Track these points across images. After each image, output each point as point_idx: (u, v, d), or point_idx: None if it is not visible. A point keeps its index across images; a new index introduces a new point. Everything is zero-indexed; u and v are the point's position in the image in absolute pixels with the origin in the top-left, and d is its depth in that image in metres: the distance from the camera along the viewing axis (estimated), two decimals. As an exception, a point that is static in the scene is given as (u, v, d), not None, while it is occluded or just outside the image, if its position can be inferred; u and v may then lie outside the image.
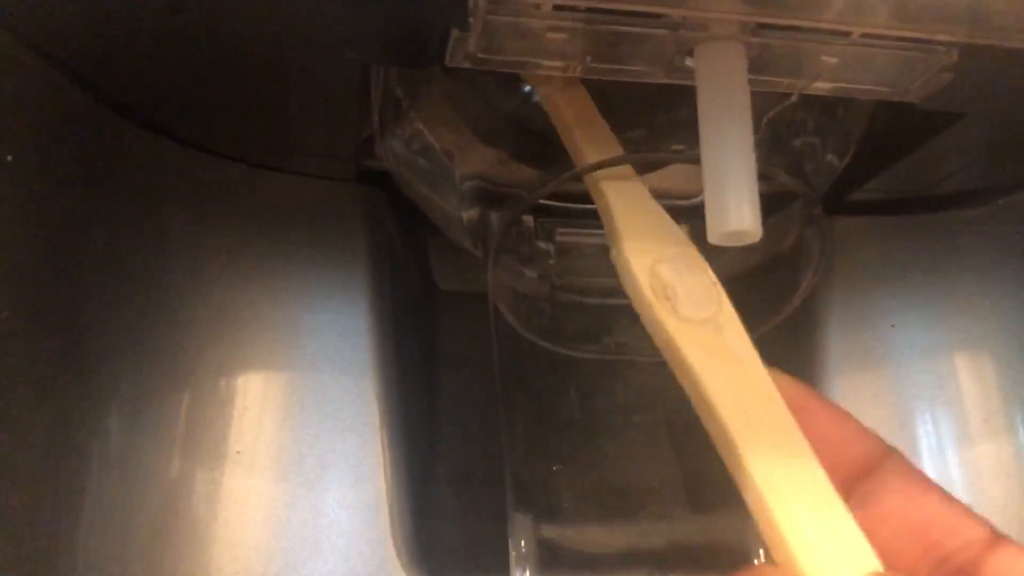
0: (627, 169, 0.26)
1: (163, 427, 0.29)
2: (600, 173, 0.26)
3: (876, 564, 0.18)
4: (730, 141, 0.24)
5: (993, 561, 0.19)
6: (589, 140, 0.26)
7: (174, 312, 0.30)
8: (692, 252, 0.25)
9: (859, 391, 0.36)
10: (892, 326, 0.36)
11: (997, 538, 0.19)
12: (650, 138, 0.27)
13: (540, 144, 0.29)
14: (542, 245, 0.38)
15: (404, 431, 0.33)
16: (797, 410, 0.22)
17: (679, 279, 0.25)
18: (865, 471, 0.21)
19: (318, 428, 0.31)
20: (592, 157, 0.26)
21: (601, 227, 0.39)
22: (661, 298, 0.24)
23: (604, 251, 0.40)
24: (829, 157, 0.30)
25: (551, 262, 0.37)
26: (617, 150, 0.26)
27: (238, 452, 0.30)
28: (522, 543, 0.29)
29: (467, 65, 0.25)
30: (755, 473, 0.21)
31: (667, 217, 0.26)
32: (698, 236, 0.38)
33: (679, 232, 0.26)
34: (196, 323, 0.30)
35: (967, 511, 0.20)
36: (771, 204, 0.34)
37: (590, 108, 0.27)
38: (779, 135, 0.29)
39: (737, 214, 0.23)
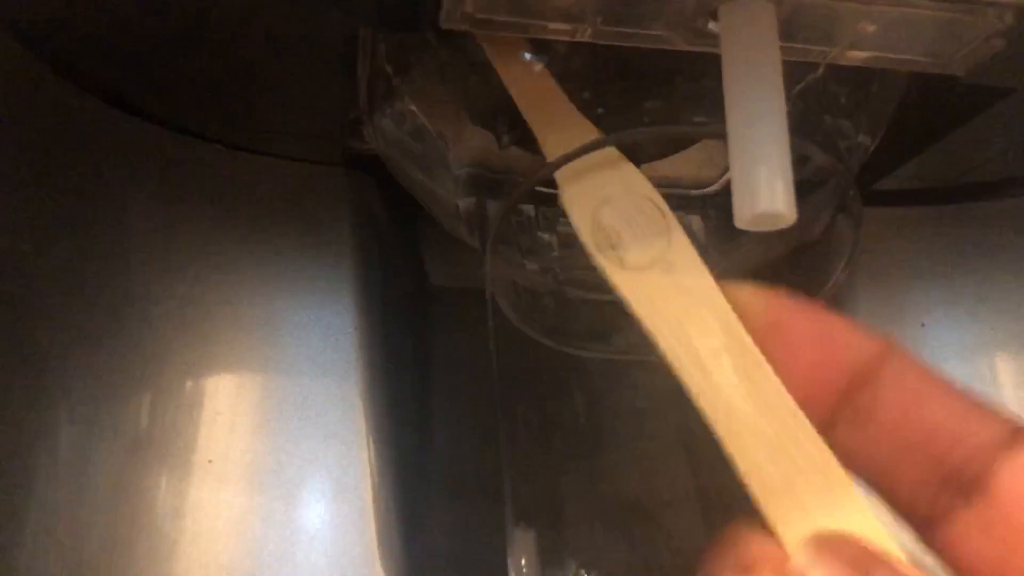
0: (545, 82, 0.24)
1: (123, 432, 0.26)
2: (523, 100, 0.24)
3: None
4: (760, 112, 0.21)
5: (1009, 468, 0.15)
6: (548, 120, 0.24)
7: (137, 305, 0.27)
8: (634, 178, 0.23)
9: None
10: (922, 325, 0.34)
11: (1015, 436, 0.16)
12: (669, 110, 0.24)
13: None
14: (544, 236, 0.35)
15: (392, 438, 0.30)
16: (769, 328, 0.19)
17: (623, 220, 0.23)
18: (860, 382, 0.18)
19: (298, 435, 0.28)
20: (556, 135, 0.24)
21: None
22: (605, 249, 0.22)
23: (612, 243, 0.37)
24: (861, 137, 0.28)
25: (554, 254, 0.35)
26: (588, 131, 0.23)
27: (209, 461, 0.27)
28: (523, 561, 0.27)
29: (463, 27, 0.23)
30: (718, 428, 0.19)
31: (595, 130, 0.23)
32: (712, 229, 0.36)
33: (616, 154, 0.23)
34: (163, 318, 0.28)
35: (979, 408, 0.17)
36: (799, 188, 0.31)
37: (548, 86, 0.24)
38: (809, 110, 0.26)
39: (768, 193, 0.21)
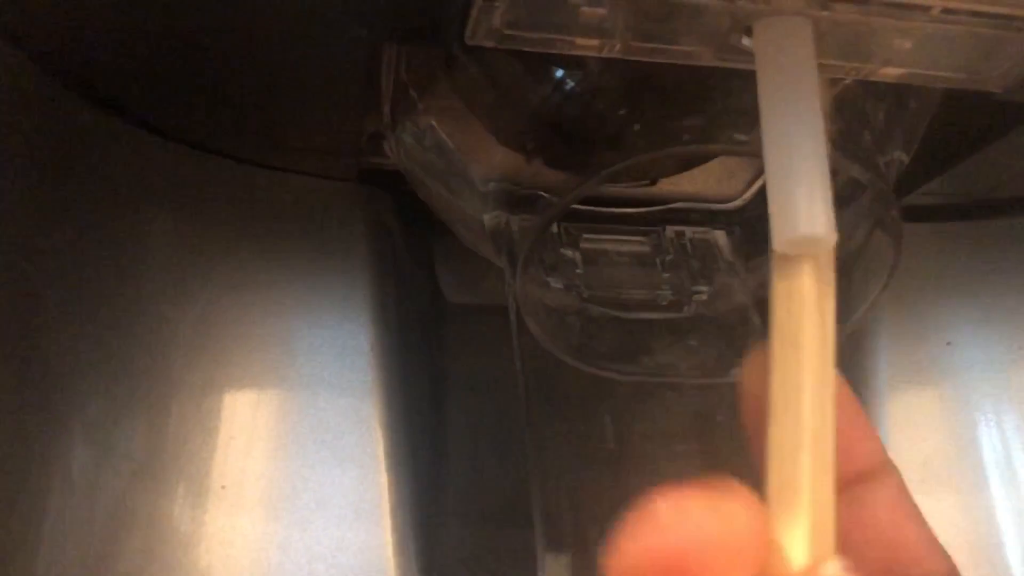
0: None
1: (136, 455, 0.25)
2: None
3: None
4: (798, 131, 0.21)
5: None
6: None
7: (150, 325, 0.26)
8: None
9: (913, 414, 0.32)
10: (948, 343, 0.33)
11: None
12: (707, 127, 0.23)
13: (573, 140, 0.25)
14: (567, 252, 0.35)
15: (410, 462, 0.29)
16: None
17: None
18: (862, 476, 0.20)
19: (314, 459, 0.28)
20: None
21: (631, 233, 0.36)
22: None
23: (636, 259, 0.37)
24: (898, 153, 0.27)
25: (578, 271, 0.34)
26: None
27: (223, 487, 0.26)
28: (553, 588, 0.26)
29: (490, 43, 0.22)
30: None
31: None
32: (737, 244, 0.35)
33: None
34: (175, 338, 0.27)
35: (939, 546, 0.20)
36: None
37: None
38: (849, 128, 0.25)
39: (808, 216, 0.20)
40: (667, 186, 0.35)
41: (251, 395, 0.28)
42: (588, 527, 0.27)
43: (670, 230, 0.35)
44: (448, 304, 0.36)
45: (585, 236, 0.34)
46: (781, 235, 0.20)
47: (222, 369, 0.28)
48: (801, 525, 0.18)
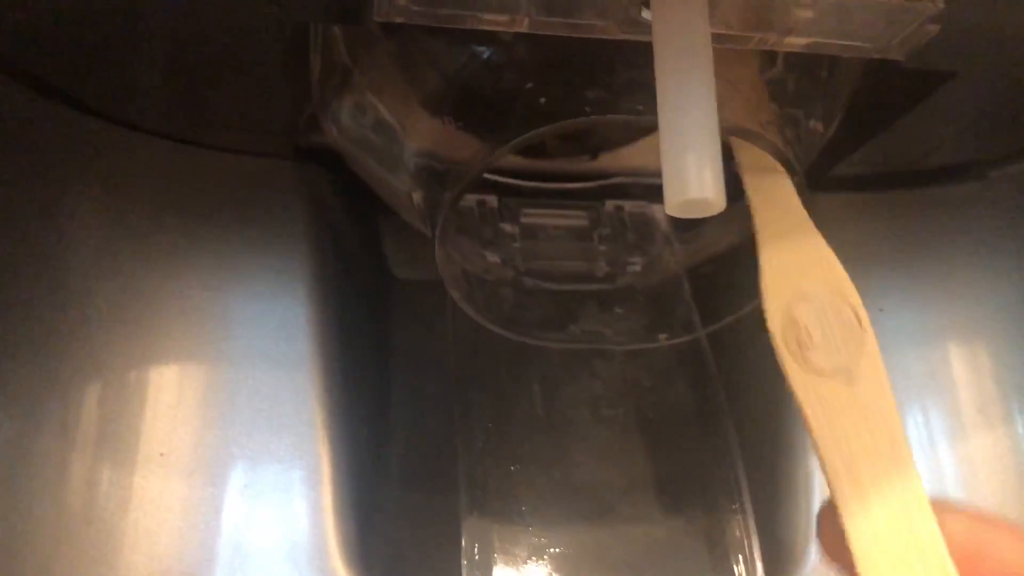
0: (782, 183, 0.24)
1: (68, 426, 0.26)
2: (752, 183, 0.24)
3: None
4: (690, 99, 0.21)
5: None
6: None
7: (79, 299, 0.27)
8: (840, 279, 0.23)
9: (845, 381, 0.33)
10: (881, 310, 0.34)
11: None
12: (609, 98, 0.24)
13: (489, 110, 0.26)
14: (506, 227, 0.36)
15: (348, 429, 0.30)
16: (970, 557, 0.19)
17: (818, 321, 0.22)
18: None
19: (251, 427, 0.28)
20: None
21: (570, 207, 0.36)
22: (792, 345, 0.21)
23: (573, 233, 0.37)
24: (812, 123, 0.28)
25: (516, 245, 0.35)
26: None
27: (161, 454, 0.27)
28: (475, 549, 0.27)
29: (398, 19, 0.23)
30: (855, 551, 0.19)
31: (819, 238, 0.23)
32: (675, 218, 0.36)
33: (830, 256, 0.23)
34: (107, 312, 0.28)
35: None
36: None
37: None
38: (756, 97, 0.26)
39: (697, 180, 0.21)
40: (608, 161, 0.36)
41: (189, 366, 0.29)
42: (510, 490, 0.28)
43: (609, 204, 0.35)
44: (395, 279, 0.37)
45: (524, 211, 0.35)
46: (672, 199, 0.21)
47: (159, 341, 0.28)
48: None
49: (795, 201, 0.24)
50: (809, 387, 0.21)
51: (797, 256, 0.23)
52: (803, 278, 0.23)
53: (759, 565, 0.28)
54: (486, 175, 0.35)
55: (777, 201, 0.24)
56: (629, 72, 0.24)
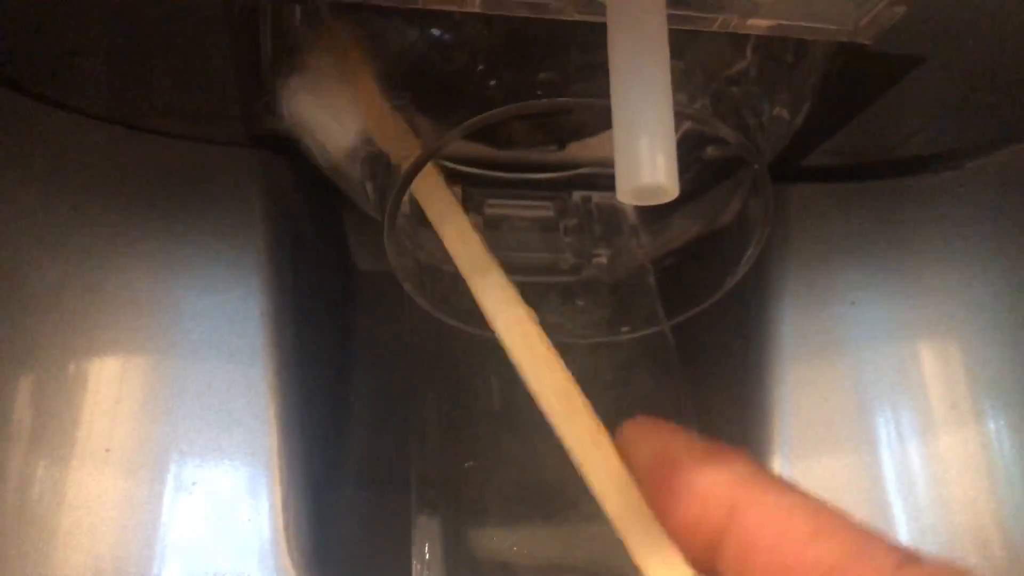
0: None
1: (2, 419, 0.25)
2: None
3: None
4: (643, 83, 0.21)
5: None
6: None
7: (18, 286, 0.26)
8: None
9: (815, 375, 0.32)
10: (852, 303, 0.33)
11: (902, 567, 0.16)
12: (562, 82, 0.23)
13: (440, 94, 0.25)
14: (470, 218, 0.35)
15: (304, 425, 0.29)
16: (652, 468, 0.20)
17: None
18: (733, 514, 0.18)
19: (200, 423, 0.28)
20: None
21: (536, 198, 0.36)
22: None
23: (539, 224, 0.36)
24: (778, 110, 0.27)
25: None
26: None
27: (107, 450, 0.27)
28: (426, 549, 0.26)
29: (349, -1, 0.22)
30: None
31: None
32: (641, 210, 0.35)
33: None
34: (45, 302, 0.27)
35: (865, 540, 0.17)
36: (715, 172, 0.30)
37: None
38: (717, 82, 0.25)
39: (650, 166, 0.20)
40: (576, 151, 0.35)
41: (137, 359, 0.28)
42: (463, 488, 0.27)
43: (576, 195, 0.35)
44: (358, 271, 0.36)
45: (489, 201, 0.34)
46: (624, 184, 0.20)
47: (108, 333, 0.27)
48: None
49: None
50: None
51: None
52: None
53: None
54: (449, 164, 0.34)
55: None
56: (584, 55, 0.23)
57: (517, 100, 0.23)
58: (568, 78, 0.23)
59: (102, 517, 0.26)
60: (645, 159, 0.20)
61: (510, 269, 0.33)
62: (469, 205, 0.34)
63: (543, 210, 0.34)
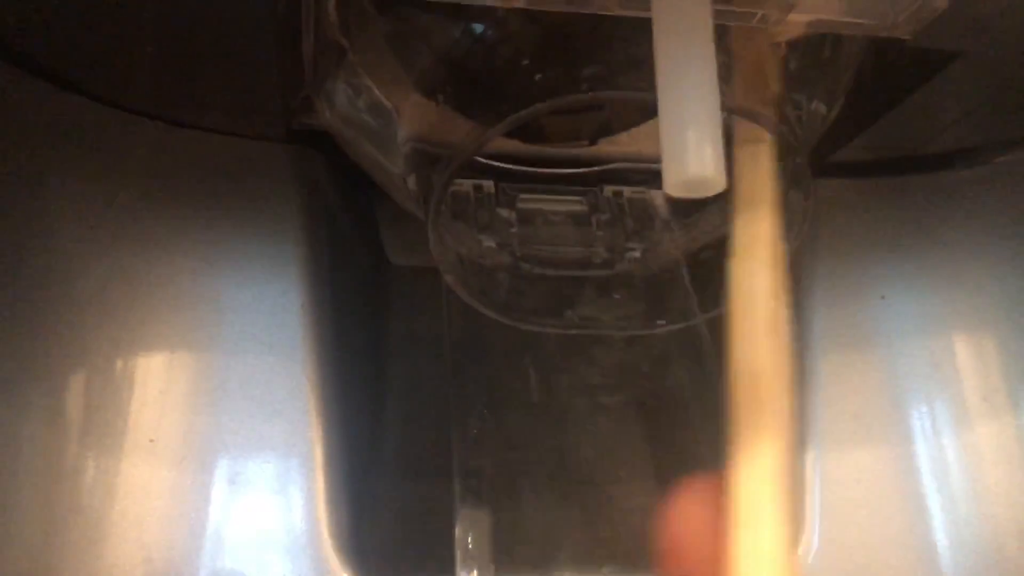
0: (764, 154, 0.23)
1: (56, 412, 0.26)
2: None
3: None
4: (689, 76, 0.21)
5: None
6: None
7: (67, 282, 0.27)
8: None
9: (847, 369, 0.33)
10: (883, 297, 0.33)
11: None
12: (607, 76, 0.23)
13: (483, 89, 0.26)
14: (503, 212, 0.35)
15: (343, 417, 0.29)
16: None
17: None
18: None
19: (243, 414, 0.28)
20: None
21: (568, 193, 0.36)
22: None
23: (572, 218, 0.37)
24: (815, 105, 0.27)
25: (513, 230, 0.34)
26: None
27: (151, 440, 0.27)
28: (469, 540, 0.26)
29: (389, -6, 0.22)
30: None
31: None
32: (673, 203, 0.35)
33: None
34: (93, 297, 0.27)
35: None
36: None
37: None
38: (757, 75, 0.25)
39: (697, 158, 0.20)
40: (607, 147, 0.35)
41: (179, 352, 0.28)
42: (506, 480, 0.27)
43: (608, 189, 0.35)
44: (392, 266, 0.37)
45: (522, 196, 0.34)
46: (672, 177, 0.20)
47: (148, 327, 0.28)
48: None
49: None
50: None
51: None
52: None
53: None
54: (483, 160, 0.34)
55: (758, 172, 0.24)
56: (628, 49, 0.23)
57: (561, 95, 0.23)
58: (612, 72, 0.23)
59: (149, 507, 0.26)
60: (692, 151, 0.20)
61: (544, 263, 0.33)
62: (502, 199, 0.35)
63: (575, 205, 0.34)
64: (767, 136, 0.22)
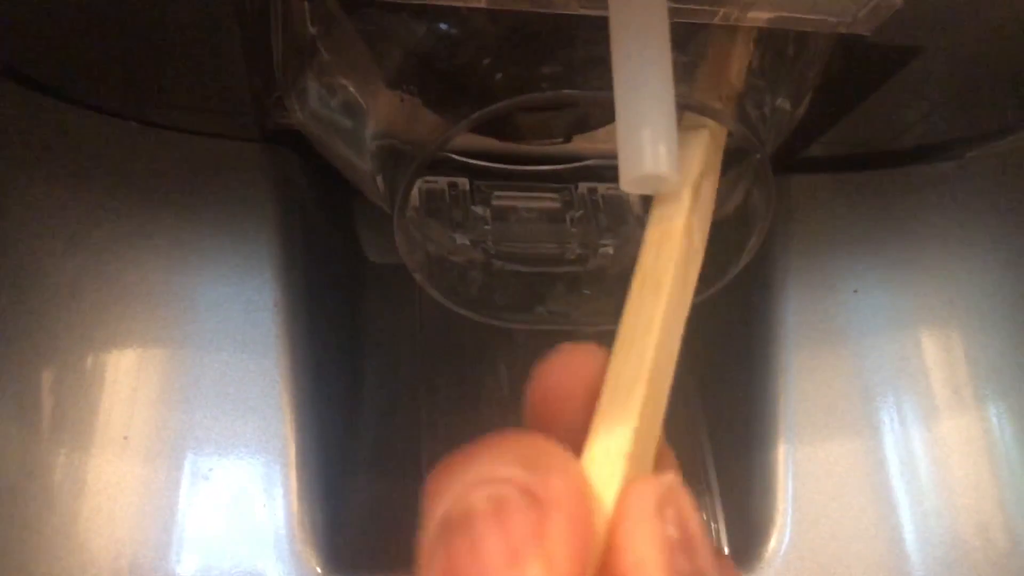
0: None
1: (27, 409, 0.26)
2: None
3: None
4: (644, 74, 0.21)
5: None
6: None
7: (37, 280, 0.27)
8: None
9: (818, 363, 0.33)
10: (855, 291, 0.33)
11: None
12: (567, 74, 0.24)
13: (448, 87, 0.26)
14: (478, 210, 0.35)
15: (317, 414, 0.30)
16: None
17: None
18: None
19: (216, 411, 0.28)
20: None
21: (543, 190, 0.36)
22: None
23: (546, 215, 0.37)
24: (780, 101, 0.27)
25: (487, 227, 0.35)
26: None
27: (125, 437, 0.27)
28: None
29: (350, -4, 0.23)
30: None
31: None
32: (646, 201, 0.35)
33: None
34: (65, 295, 0.27)
35: None
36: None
37: None
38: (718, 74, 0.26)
39: (652, 156, 0.21)
40: (582, 144, 0.35)
41: (153, 348, 0.28)
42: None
43: (582, 186, 0.35)
44: (369, 264, 0.37)
45: (496, 193, 0.34)
46: (627, 174, 0.21)
47: (123, 323, 0.28)
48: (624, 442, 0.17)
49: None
50: None
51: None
52: None
53: (725, 548, 0.28)
54: (457, 157, 0.34)
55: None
56: (588, 48, 0.24)
57: (522, 93, 0.23)
58: (573, 71, 0.24)
59: (121, 503, 0.27)
60: (647, 149, 0.21)
61: (518, 260, 0.34)
62: (477, 197, 0.35)
63: (550, 202, 0.35)
64: (709, 123, 0.23)
